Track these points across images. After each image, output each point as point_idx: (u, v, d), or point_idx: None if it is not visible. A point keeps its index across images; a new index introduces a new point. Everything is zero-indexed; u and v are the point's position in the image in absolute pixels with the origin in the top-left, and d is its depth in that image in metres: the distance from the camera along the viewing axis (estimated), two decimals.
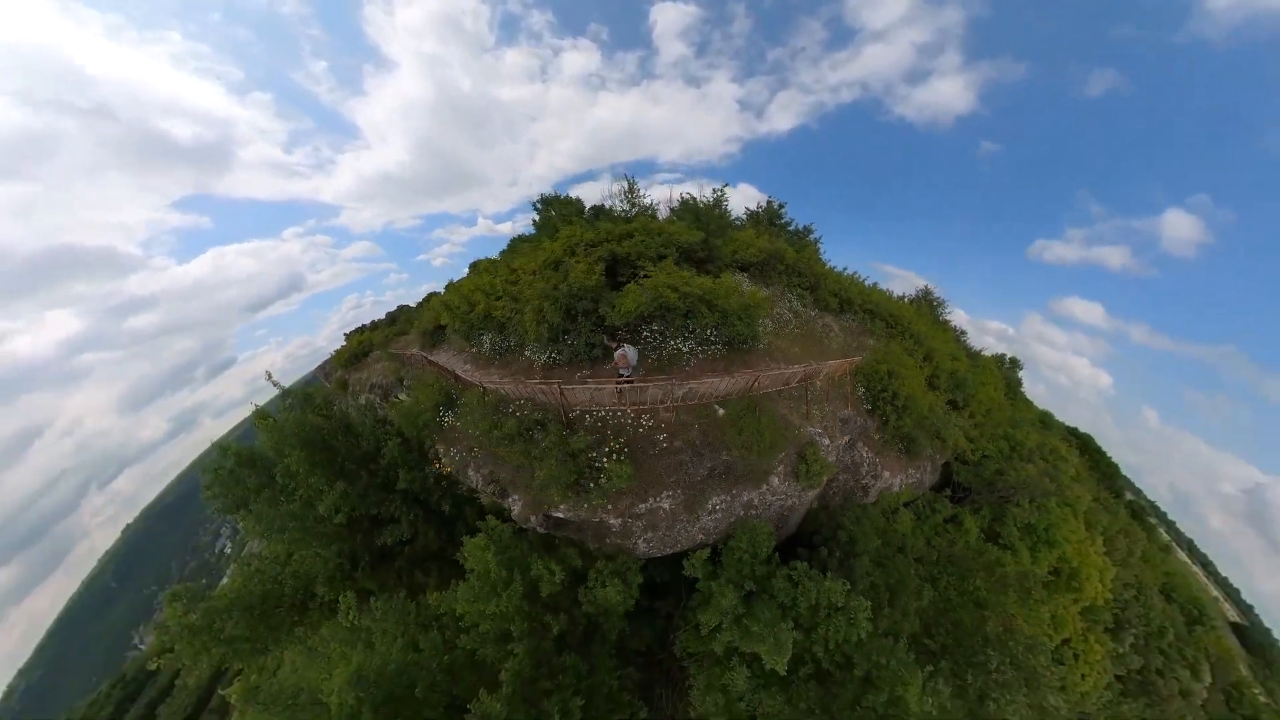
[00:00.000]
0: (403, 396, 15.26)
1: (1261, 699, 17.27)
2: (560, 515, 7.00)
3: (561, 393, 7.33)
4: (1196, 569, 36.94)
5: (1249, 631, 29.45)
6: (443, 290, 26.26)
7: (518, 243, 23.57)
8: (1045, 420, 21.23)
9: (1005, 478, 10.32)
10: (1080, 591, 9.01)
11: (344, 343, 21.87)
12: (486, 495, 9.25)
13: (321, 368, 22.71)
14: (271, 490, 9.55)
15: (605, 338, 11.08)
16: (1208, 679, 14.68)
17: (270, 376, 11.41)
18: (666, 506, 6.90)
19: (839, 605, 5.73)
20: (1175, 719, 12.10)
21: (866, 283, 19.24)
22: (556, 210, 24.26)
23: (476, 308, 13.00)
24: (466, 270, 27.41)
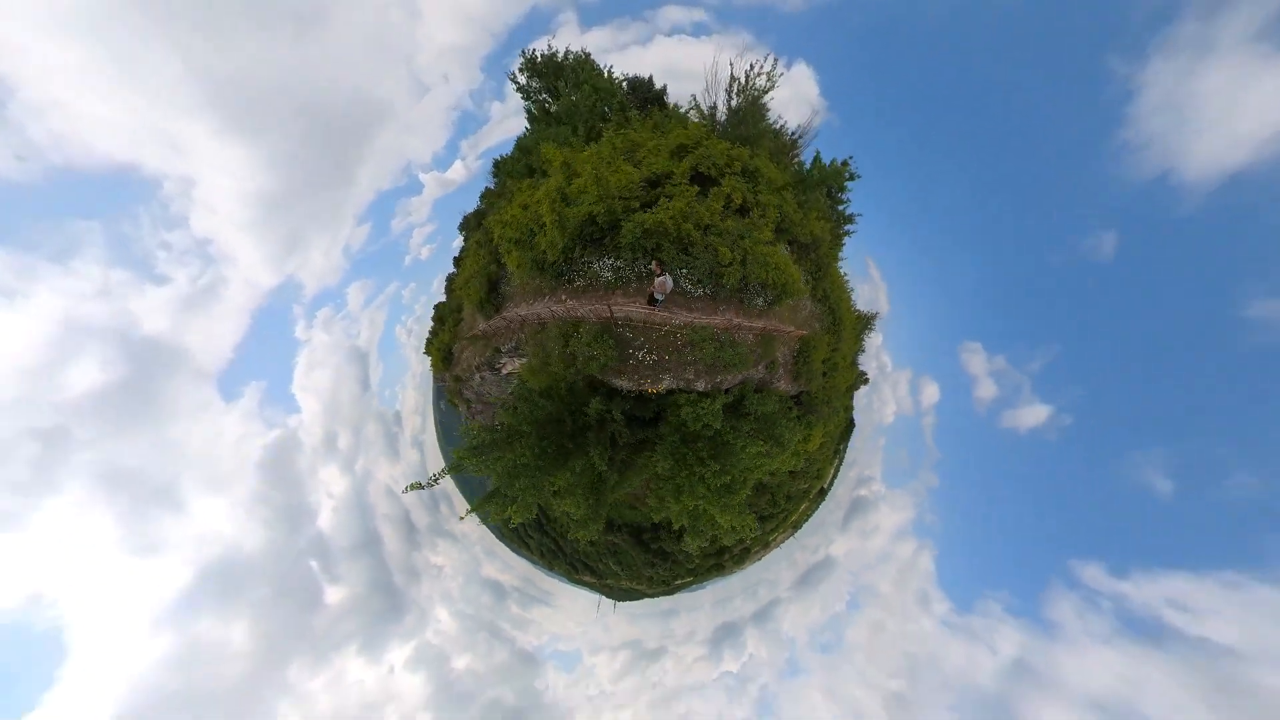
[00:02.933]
0: (508, 360, 16.09)
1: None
2: (720, 380, 16.43)
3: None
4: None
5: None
6: (456, 268, 23.31)
7: (537, 162, 16.38)
8: (847, 405, 37.71)
9: (816, 406, 23.76)
10: (807, 444, 23.85)
11: (429, 358, 22.94)
12: (666, 387, 15.09)
13: (438, 380, 24.92)
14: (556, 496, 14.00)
15: (654, 264, 12.38)
16: (805, 487, 35.96)
17: (421, 485, 12.17)
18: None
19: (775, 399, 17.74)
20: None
21: (846, 275, 27.47)
22: (575, 83, 16.66)
23: (651, 218, 11.94)
24: (462, 238, 24.15)
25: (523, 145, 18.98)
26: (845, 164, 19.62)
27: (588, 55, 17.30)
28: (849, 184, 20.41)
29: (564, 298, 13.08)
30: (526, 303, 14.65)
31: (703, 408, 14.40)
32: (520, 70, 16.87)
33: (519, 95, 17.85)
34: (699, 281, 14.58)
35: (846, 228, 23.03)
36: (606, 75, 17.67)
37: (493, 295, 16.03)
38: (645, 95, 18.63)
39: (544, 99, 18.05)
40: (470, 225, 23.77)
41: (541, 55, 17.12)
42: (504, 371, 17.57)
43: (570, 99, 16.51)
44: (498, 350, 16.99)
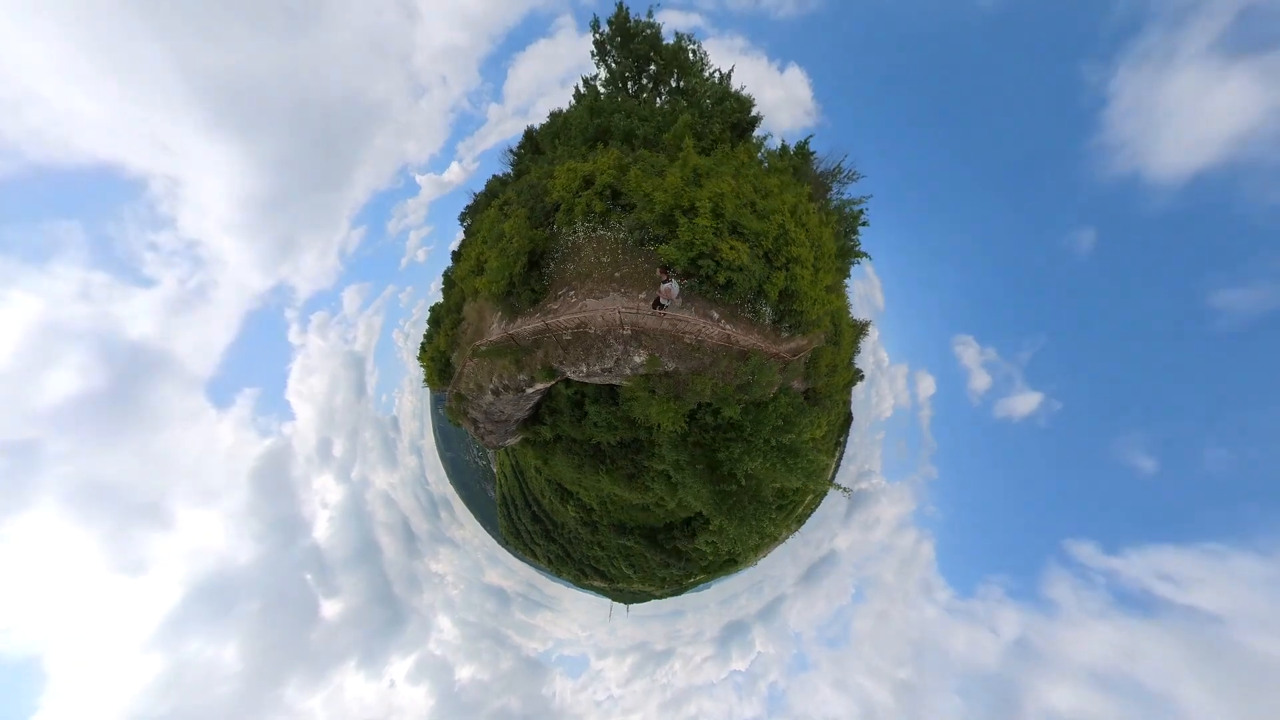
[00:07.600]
0: (537, 372, 13.18)
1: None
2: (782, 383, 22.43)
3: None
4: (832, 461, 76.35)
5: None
6: (454, 264, 20.25)
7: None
8: (845, 400, 44.29)
9: (821, 400, 30.13)
10: (816, 430, 29.96)
11: (422, 366, 19.46)
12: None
13: (436, 393, 21.54)
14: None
15: (659, 271, 10.42)
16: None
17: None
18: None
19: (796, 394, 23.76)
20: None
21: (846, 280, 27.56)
22: (679, 66, 14.14)
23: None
24: (462, 234, 22.69)
25: (592, 107, 14.83)
26: (861, 210, 22.04)
27: (697, 43, 14.61)
28: (860, 226, 22.62)
29: (718, 316, 9.93)
30: (635, 298, 10.18)
31: (780, 402, 20.69)
32: (609, 22, 13.70)
33: (593, 51, 14.84)
34: (785, 326, 17.01)
35: (857, 261, 25.49)
36: (720, 78, 14.71)
37: (533, 276, 10.78)
38: (740, 120, 15.47)
39: (614, 68, 14.75)
40: (479, 207, 19.82)
41: (638, 21, 13.98)
42: (529, 390, 14.33)
43: (703, 80, 14.04)
44: (550, 369, 11.90)
